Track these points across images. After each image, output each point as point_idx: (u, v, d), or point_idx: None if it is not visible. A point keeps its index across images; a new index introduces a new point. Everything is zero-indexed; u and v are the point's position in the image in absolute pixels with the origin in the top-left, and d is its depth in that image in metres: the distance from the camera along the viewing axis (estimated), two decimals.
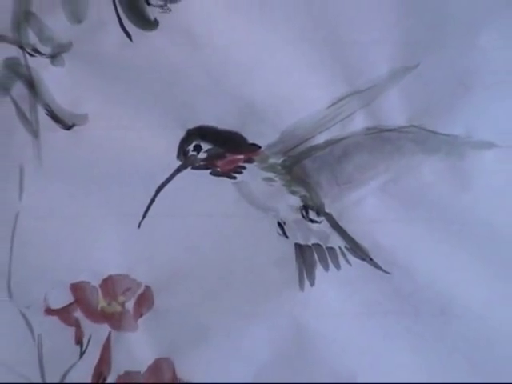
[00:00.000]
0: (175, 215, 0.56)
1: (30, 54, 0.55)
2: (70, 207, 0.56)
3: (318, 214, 0.55)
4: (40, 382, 0.56)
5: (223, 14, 0.55)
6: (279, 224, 0.56)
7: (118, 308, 0.55)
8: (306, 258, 0.56)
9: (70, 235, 0.56)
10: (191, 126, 0.56)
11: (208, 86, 0.55)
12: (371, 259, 0.55)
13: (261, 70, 0.56)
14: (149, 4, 0.54)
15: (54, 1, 0.55)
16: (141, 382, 0.55)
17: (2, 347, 0.55)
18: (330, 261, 0.55)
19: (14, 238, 0.55)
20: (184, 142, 0.55)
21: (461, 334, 0.56)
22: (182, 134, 0.56)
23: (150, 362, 0.55)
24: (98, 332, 0.55)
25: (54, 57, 0.55)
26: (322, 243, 0.55)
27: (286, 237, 0.55)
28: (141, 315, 0.54)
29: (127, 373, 0.54)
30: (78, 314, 0.56)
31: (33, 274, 0.56)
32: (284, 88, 0.56)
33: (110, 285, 0.55)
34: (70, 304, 0.55)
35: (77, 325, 0.55)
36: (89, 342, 0.54)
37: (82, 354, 0.55)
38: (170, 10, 0.55)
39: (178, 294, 0.56)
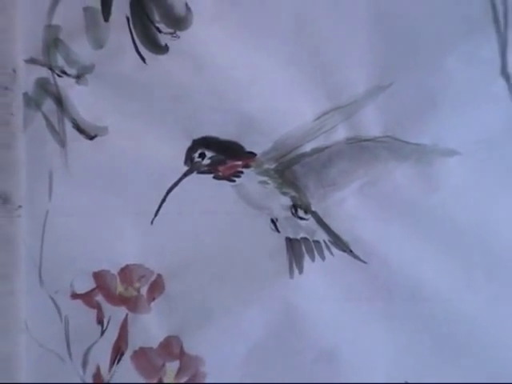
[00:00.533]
0: (183, 213, 0.62)
1: (58, 75, 0.61)
2: (93, 206, 0.62)
3: (306, 212, 0.61)
4: (67, 356, 0.61)
5: (224, 41, 0.61)
6: (272, 221, 0.61)
7: (134, 293, 0.61)
8: (295, 249, 0.62)
9: (93, 230, 0.62)
10: (196, 136, 0.62)
11: (211, 102, 0.61)
12: (351, 251, 0.61)
13: (256, 89, 0.62)
14: (160, 32, 0.60)
15: (78, 29, 0.62)
16: (153, 356, 0.61)
17: (34, 327, 0.61)
18: (315, 252, 0.62)
19: (44, 233, 0.61)
20: (190, 151, 0.61)
21: (429, 315, 0.62)
22: (188, 143, 0.62)
23: (161, 339, 0.61)
24: (116, 313, 0.62)
25: (78, 77, 0.61)
26: (309, 237, 0.61)
27: (278, 232, 0.61)
28: (153, 299, 0.61)
29: (142, 348, 0.61)
30: (99, 298, 0.62)
31: (60, 263, 0.62)
32: (276, 103, 0.61)
33: (126, 273, 0.61)
34: (93, 289, 0.61)
35: (98, 307, 0.62)
36: (108, 322, 0.61)
37: (102, 332, 0.61)
38: (179, 37, 0.61)
39: (186, 281, 0.63)
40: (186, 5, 0.61)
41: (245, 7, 0.63)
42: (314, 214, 0.61)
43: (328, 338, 0.63)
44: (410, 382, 0.62)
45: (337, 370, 0.63)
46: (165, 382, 0.62)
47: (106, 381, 0.62)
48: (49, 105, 0.63)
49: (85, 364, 0.62)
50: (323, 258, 0.61)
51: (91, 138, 0.63)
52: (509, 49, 0.61)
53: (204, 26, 0.62)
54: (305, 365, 0.63)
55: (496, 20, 0.61)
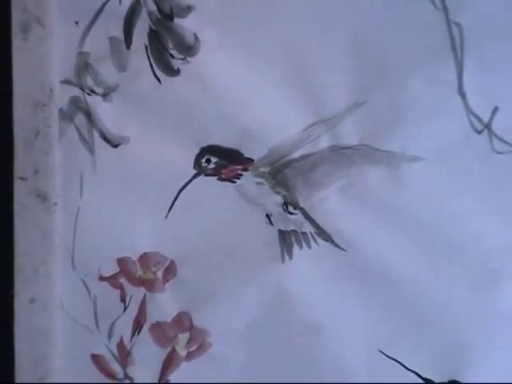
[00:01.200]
0: (192, 209, 0.71)
1: (88, 94, 0.71)
2: (117, 203, 0.71)
3: (295, 208, 0.70)
4: (95, 328, 0.70)
5: (226, 65, 0.71)
6: (267, 215, 0.71)
7: (151, 276, 0.71)
8: (286, 239, 0.71)
9: (116, 223, 0.72)
10: (203, 144, 0.71)
11: (215, 116, 0.71)
12: (333, 241, 0.70)
13: (253, 105, 0.71)
14: (173, 57, 0.70)
15: (105, 55, 0.72)
16: (167, 329, 0.70)
17: (67, 304, 0.71)
18: (303, 242, 0.71)
19: (76, 226, 0.71)
20: (198, 157, 0.70)
21: (398, 294, 0.71)
22: (196, 150, 0.71)
23: (174, 314, 0.71)
24: (136, 293, 0.71)
25: (105, 95, 0.71)
26: (297, 229, 0.71)
27: (272, 224, 0.70)
28: (167, 281, 0.71)
29: (157, 322, 0.71)
30: (122, 280, 0.72)
31: (90, 251, 0.72)
32: (270, 117, 0.71)
33: (145, 259, 0.71)
34: (117, 273, 0.71)
35: (121, 288, 0.72)
36: (130, 300, 0.70)
37: (125, 309, 0.71)
38: (189, 62, 0.70)
39: (194, 266, 0.72)
40: (195, 35, 0.70)
41: (244, 37, 0.71)
42: (302, 210, 0.70)
43: (313, 313, 0.72)
44: (381, 349, 0.70)
45: (321, 340, 0.72)
46: (177, 350, 0.71)
47: (127, 349, 0.70)
48: (80, 118, 0.73)
49: (110, 335, 0.71)
50: (309, 246, 0.70)
51: (115, 146, 0.72)
52: (464, 72, 0.70)
53: (210, 53, 0.71)
54: (294, 336, 0.72)
55: (454, 49, 0.70)
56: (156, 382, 0.75)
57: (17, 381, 0.73)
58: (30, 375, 0.71)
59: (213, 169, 0.71)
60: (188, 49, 0.70)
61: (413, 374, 0.71)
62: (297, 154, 0.71)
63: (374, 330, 0.73)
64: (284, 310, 0.72)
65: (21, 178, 0.71)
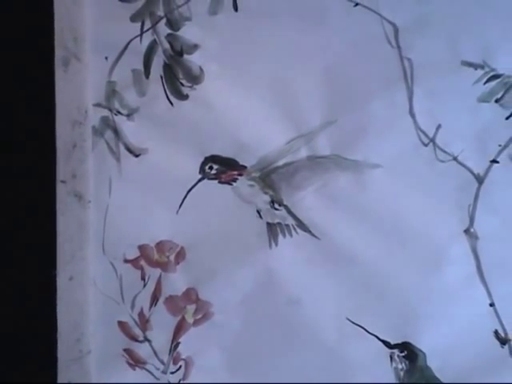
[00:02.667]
0: (198, 206, 0.81)
1: (115, 114, 0.81)
2: (138, 201, 0.82)
3: (280, 205, 0.81)
4: (121, 301, 0.80)
5: (225, 91, 0.81)
6: (257, 211, 0.81)
7: (165, 259, 0.82)
8: (273, 230, 0.81)
9: (137, 217, 0.82)
10: (207, 154, 0.81)
11: (217, 132, 0.81)
12: (310, 231, 0.80)
13: (247, 123, 0.82)
14: (183, 85, 0.81)
15: (128, 83, 0.81)
16: (178, 301, 0.81)
17: (99, 282, 0.81)
18: (286, 232, 0.81)
19: (105, 220, 0.82)
20: (203, 164, 0.81)
21: (362, 273, 0.82)
22: (201, 159, 0.81)
23: (184, 289, 0.81)
24: (153, 273, 0.82)
25: (128, 116, 0.81)
26: (282, 222, 0.81)
27: (262, 218, 0.81)
28: (178, 263, 0.81)
29: (170, 296, 0.81)
30: (142, 262, 0.82)
31: (117, 239, 0.82)
32: (260, 133, 0.81)
33: (160, 246, 0.82)
34: (138, 257, 0.82)
35: (142, 269, 0.82)
36: (148, 278, 0.81)
37: (144, 285, 0.81)
38: (195, 89, 0.81)
39: (200, 251, 0.82)
40: (200, 68, 0.80)
41: (239, 70, 0.81)
42: (285, 207, 0.81)
43: (295, 289, 0.82)
44: (349, 317, 0.80)
45: (300, 310, 0.82)
46: (186, 318, 0.81)
47: (146, 317, 0.81)
48: (109, 134, 0.82)
49: (132, 306, 0.81)
50: (291, 235, 0.81)
51: (137, 155, 0.82)
52: (414, 97, 0.81)
53: (212, 82, 0.81)
54: (279, 307, 0.82)
55: (405, 79, 0.81)
56: (169, 343, 0.82)
57: (59, 343, 0.80)
58: (69, 338, 0.81)
59: (214, 174, 0.81)
60: (195, 78, 0.80)
61: (373, 337, 0.81)
62: (281, 162, 0.81)
63: (342, 302, 0.82)
64: (271, 286, 0.82)
65: (62, 182, 0.80)
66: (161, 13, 0.80)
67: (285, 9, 0.82)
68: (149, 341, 0.82)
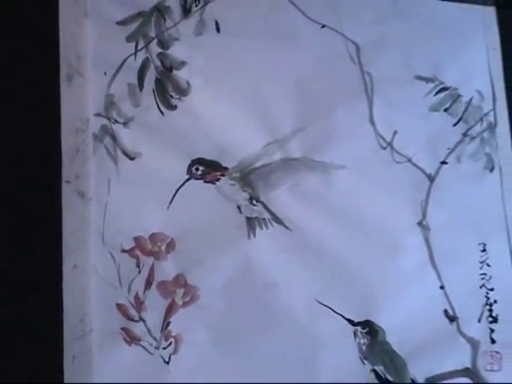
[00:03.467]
0: (186, 202, 0.86)
1: (113, 123, 0.84)
2: (133, 199, 0.84)
3: (257, 201, 0.86)
4: (119, 286, 0.82)
5: (209, 103, 0.87)
6: (238, 207, 0.87)
7: (157, 249, 0.85)
8: (251, 223, 0.87)
9: (133, 213, 0.85)
10: (194, 157, 0.86)
11: (202, 138, 0.87)
12: (283, 224, 0.86)
13: (228, 130, 0.88)
14: (172, 97, 0.86)
15: (124, 96, 0.85)
16: (169, 286, 0.84)
17: (100, 268, 0.82)
18: (263, 224, 0.87)
19: (105, 215, 0.84)
20: (190, 166, 0.86)
21: (328, 260, 0.87)
22: (188, 162, 0.86)
23: (174, 275, 0.85)
24: (147, 261, 0.85)
25: (124, 124, 0.85)
26: (259, 216, 0.87)
27: (241, 213, 0.87)
28: (169, 252, 0.84)
29: (162, 281, 0.83)
30: (138, 252, 0.85)
31: (115, 232, 0.84)
32: (240, 139, 0.88)
33: (153, 237, 0.85)
34: (134, 247, 0.84)
35: (137, 257, 0.84)
36: (143, 266, 0.84)
37: (139, 272, 0.83)
38: (183, 100, 0.86)
39: (188, 242, 0.86)
40: (187, 82, 0.86)
41: (222, 83, 0.88)
42: (262, 203, 0.87)
43: (271, 274, 0.87)
44: (318, 299, 0.85)
45: (276, 293, 0.87)
46: (176, 300, 0.84)
47: (141, 300, 0.83)
48: (107, 140, 0.85)
49: (129, 290, 0.83)
50: (267, 228, 0.87)
51: (132, 159, 0.85)
52: (373, 107, 0.88)
53: (197, 94, 0.87)
54: (257, 290, 0.86)
55: (366, 91, 0.88)
56: (161, 322, 0.84)
57: (65, 322, 0.82)
58: (73, 318, 0.82)
59: (200, 174, 0.85)
60: (182, 91, 0.86)
61: (339, 316, 0.85)
62: (258, 164, 0.87)
63: (312, 286, 0.87)
64: (250, 272, 0.86)
65: (66, 182, 0.82)
66: (152, 34, 0.85)
67: (261, 30, 0.88)
68: (143, 320, 0.83)
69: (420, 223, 0.88)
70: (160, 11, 0.85)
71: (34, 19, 0.83)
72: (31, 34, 0.83)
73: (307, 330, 0.86)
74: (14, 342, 0.81)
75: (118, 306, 0.83)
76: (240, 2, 0.89)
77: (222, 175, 0.86)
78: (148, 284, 0.85)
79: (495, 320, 0.88)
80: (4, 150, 0.82)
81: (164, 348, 0.82)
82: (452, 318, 0.87)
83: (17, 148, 0.82)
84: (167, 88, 0.85)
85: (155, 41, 0.85)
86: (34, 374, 0.81)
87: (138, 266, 0.85)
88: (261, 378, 0.83)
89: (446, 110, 0.90)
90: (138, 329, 0.83)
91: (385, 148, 0.89)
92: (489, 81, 0.91)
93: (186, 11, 0.86)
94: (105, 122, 0.85)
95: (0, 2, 0.84)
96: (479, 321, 0.88)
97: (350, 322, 0.86)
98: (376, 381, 0.86)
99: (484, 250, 0.89)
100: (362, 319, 0.87)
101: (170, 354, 0.82)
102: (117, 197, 0.85)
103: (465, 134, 0.91)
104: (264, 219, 0.86)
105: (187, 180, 0.86)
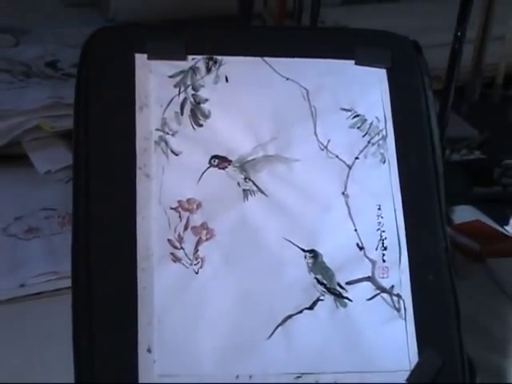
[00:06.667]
0: (207, 180, 1.03)
1: (166, 134, 1.06)
2: (177, 179, 1.02)
3: (249, 180, 1.05)
4: (168, 228, 0.97)
5: (222, 122, 1.07)
6: (238, 183, 1.06)
7: (191, 207, 1.01)
8: (245, 193, 1.05)
9: (177, 186, 1.01)
10: (212, 154, 1.05)
11: (217, 144, 1.05)
12: (264, 193, 1.05)
13: (232, 139, 1.06)
14: (200, 120, 1.05)
15: (172, 118, 1.04)
16: (197, 229, 0.98)
17: (158, 218, 0.97)
18: (252, 194, 1.04)
19: (161, 188, 0.99)
20: (210, 159, 1.06)
21: (291, 216, 1.03)
22: (209, 157, 1.05)
23: (200, 222, 1.00)
24: (185, 214, 1.01)
25: (172, 135, 1.04)
26: (250, 189, 1.04)
27: (240, 187, 1.05)
28: (197, 209, 1.01)
29: (193, 226, 1.00)
30: (179, 209, 1.00)
31: (166, 197, 1.00)
32: (239, 144, 1.06)
33: (189, 200, 1.01)
34: (177, 206, 1.00)
35: (179, 212, 1.01)
36: (182, 217, 1.01)
37: (180, 221, 1.00)
38: (206, 121, 1.06)
39: (207, 203, 1.02)
40: (209, 111, 1.07)
41: (229, 112, 1.07)
42: (252, 181, 1.05)
43: (258, 222, 1.04)
44: (285, 237, 1.00)
45: (261, 233, 1.02)
46: (202, 237, 0.98)
47: (182, 237, 0.99)
48: (162, 144, 1.03)
49: (175, 231, 1.00)
50: (255, 195, 1.06)
51: (176, 155, 1.02)
52: (316, 126, 1.08)
53: (215, 118, 1.08)
54: (250, 232, 1.02)
55: (312, 116, 1.08)
56: (193, 250, 0.97)
57: (138, 249, 0.95)
58: (143, 247, 0.96)
59: (215, 164, 1.06)
60: (206, 116, 1.09)
61: (296, 247, 1.03)
62: (249, 159, 1.07)
63: (280, 229, 1.04)
64: (245, 222, 1.05)
65: (139, 168, 1.01)
66: (189, 83, 1.08)
67: (251, 81, 1.10)
68: (183, 249, 1.01)
69: (343, 193, 1.09)
70: (193, 70, 1.09)
71: (121, 76, 1.06)
72: (119, 83, 1.05)
73: (278, 255, 1.04)
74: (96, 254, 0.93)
75: (169, 240, 1.01)
76: (239, 67, 1.10)
77: (229, 165, 1.07)
78: (185, 228, 1.03)
79: (385, 249, 1.08)
80: (113, 145, 1.03)
81: (195, 265, 1.00)
82: (361, 248, 1.07)
83: (115, 144, 1.03)
84: (197, 114, 1.07)
85: (190, 87, 1.07)
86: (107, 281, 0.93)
87: (179, 217, 1.03)
88: (252, 284, 0.99)
89: (358, 127, 1.12)
90: (179, 253, 1.00)
91: (323, 150, 1.11)
92: (382, 111, 1.13)
93: (208, 70, 1.09)
94: (161, 133, 1.06)
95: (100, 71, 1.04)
96: (376, 249, 1.08)
97: (302, 250, 1.05)
98: (320, 286, 1.01)
99: (379, 209, 1.09)
100: (309, 248, 1.05)
101: (198, 269, 0.99)
102: (168, 177, 1.04)
103: (369, 142, 1.12)
104: (253, 191, 1.07)
105: (208, 168, 1.06)
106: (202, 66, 1.09)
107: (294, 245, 1.04)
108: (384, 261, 1.07)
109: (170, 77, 1.08)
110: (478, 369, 1.03)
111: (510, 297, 1.27)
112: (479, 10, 1.46)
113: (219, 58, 1.07)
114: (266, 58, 1.09)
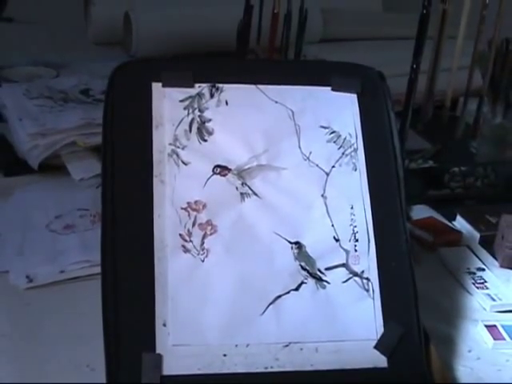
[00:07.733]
0: (210, 186, 1.02)
1: (177, 148, 1.13)
2: (186, 185, 1.00)
3: (245, 185, 1.03)
4: (179, 225, 0.96)
5: (223, 138, 1.05)
6: (236, 188, 1.04)
7: (198, 207, 1.00)
8: (242, 196, 1.03)
9: (186, 191, 1.00)
10: (215, 164, 1.03)
11: (219, 156, 1.03)
12: (257, 195, 1.03)
13: (232, 151, 1.04)
14: (205, 136, 1.04)
15: (182, 135, 1.04)
16: (203, 225, 1.00)
17: (170, 217, 0.97)
18: (248, 196, 1.03)
19: (173, 192, 0.98)
20: (213, 168, 1.04)
21: (281, 213, 1.02)
22: (212, 166, 1.03)
23: (205, 220, 0.98)
24: (193, 214, 1.00)
25: (182, 148, 1.08)
26: (246, 192, 1.03)
27: (237, 191, 1.03)
28: (203, 209, 1.00)
29: (200, 223, 0.99)
30: (188, 209, 1.00)
31: (178, 199, 0.99)
32: (237, 155, 1.04)
33: (196, 202, 1.00)
34: (186, 207, 0.99)
35: (188, 212, 1.00)
36: (191, 216, 1.02)
37: (189, 219, 1.00)
38: (210, 137, 1.05)
39: (211, 205, 1.01)
40: (212, 128, 1.05)
41: (229, 129, 1.06)
42: (247, 186, 1.04)
43: (253, 220, 1.02)
44: (275, 232, 0.98)
45: (256, 229, 1.01)
46: (207, 232, 0.97)
47: (190, 231, 0.97)
48: (174, 156, 1.02)
49: (185, 227, 0.98)
50: (250, 197, 1.03)
51: (186, 164, 1.02)
52: (300, 141, 1.07)
53: (217, 134, 1.06)
54: (246, 228, 1.00)
55: (297, 133, 1.07)
56: (200, 242, 0.96)
57: (154, 241, 0.93)
58: (158, 238, 0.96)
59: (218, 172, 1.04)
60: (210, 133, 1.07)
61: (284, 239, 1.00)
62: (246, 167, 1.04)
63: (270, 225, 1.02)
64: (243, 220, 1.03)
65: (155, 176, 0.99)
66: (196, 106, 1.07)
67: (247, 103, 1.08)
68: (191, 241, 0.99)
69: (322, 195, 1.07)
70: (199, 95, 1.08)
71: (140, 101, 1.05)
72: (139, 107, 1.04)
73: (269, 246, 1.02)
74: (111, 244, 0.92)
75: (180, 234, 1.00)
76: (237, 93, 1.09)
77: (229, 172, 1.06)
78: (193, 224, 1.02)
79: (357, 240, 1.06)
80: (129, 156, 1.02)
81: (201, 255, 0.98)
82: (337, 240, 1.05)
83: (135, 156, 1.02)
84: (202, 131, 1.06)
85: (197, 109, 1.06)
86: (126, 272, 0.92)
87: (188, 216, 1.02)
88: (248, 270, 0.98)
89: (334, 141, 1.10)
90: (189, 245, 0.99)
91: (305, 160, 1.09)
92: (354, 128, 1.11)
93: (212, 95, 1.09)
94: (173, 147, 1.05)
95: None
96: (349, 241, 1.06)
97: (289, 241, 1.03)
98: (303, 272, 0.98)
99: (352, 208, 1.07)
100: (294, 240, 1.03)
101: (204, 258, 0.98)
102: (179, 183, 1.03)
103: (343, 153, 1.10)
104: (248, 194, 1.05)
105: (212, 175, 1.05)
106: (206, 92, 1.08)
107: (283, 238, 1.03)
108: (356, 250, 1.05)
109: (181, 101, 1.08)
110: (431, 336, 1.02)
111: (456, 278, 1.28)
112: (431, 47, 1.48)
113: (220, 85, 1.07)
114: (259, 86, 1.08)
